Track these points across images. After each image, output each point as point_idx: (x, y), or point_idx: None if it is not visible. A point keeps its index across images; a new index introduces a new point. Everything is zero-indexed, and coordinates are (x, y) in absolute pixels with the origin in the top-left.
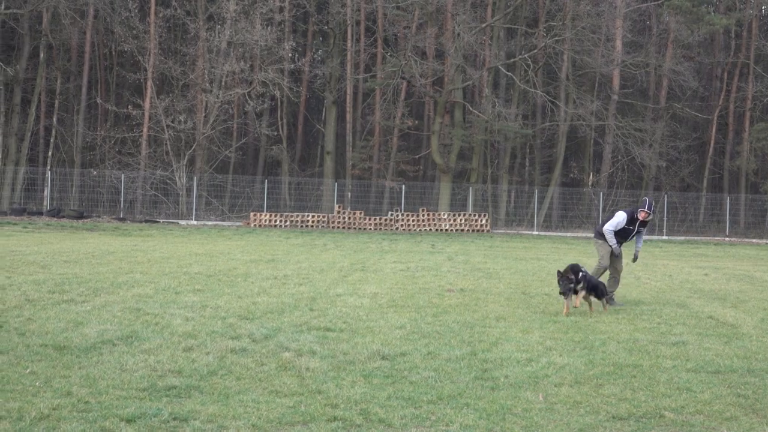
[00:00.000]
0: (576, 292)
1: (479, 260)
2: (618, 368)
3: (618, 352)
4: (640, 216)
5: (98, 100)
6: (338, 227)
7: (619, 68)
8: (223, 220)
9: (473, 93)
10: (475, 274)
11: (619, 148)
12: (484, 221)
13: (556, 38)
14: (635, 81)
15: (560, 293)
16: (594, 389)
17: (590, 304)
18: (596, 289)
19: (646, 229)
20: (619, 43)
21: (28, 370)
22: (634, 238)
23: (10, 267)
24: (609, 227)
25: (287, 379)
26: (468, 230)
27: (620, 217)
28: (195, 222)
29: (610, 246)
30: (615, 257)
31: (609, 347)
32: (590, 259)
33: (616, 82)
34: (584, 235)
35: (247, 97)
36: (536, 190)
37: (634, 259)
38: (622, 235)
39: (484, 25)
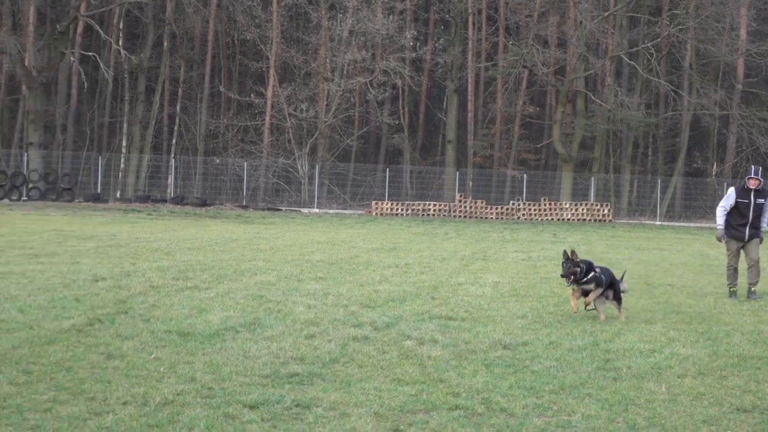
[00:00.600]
0: (584, 291)
1: (601, 250)
2: (742, 360)
3: (742, 343)
4: (751, 184)
5: (221, 89)
6: (459, 216)
7: (744, 57)
8: (345, 209)
9: (595, 82)
10: (597, 263)
11: (743, 138)
12: (606, 211)
13: (680, 27)
14: (760, 70)
15: (561, 275)
16: (717, 381)
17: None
18: (613, 288)
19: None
20: (743, 32)
21: (152, 356)
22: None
23: (135, 254)
24: (720, 204)
25: (409, 367)
26: (590, 220)
27: (729, 192)
28: (317, 210)
29: (717, 228)
30: (749, 246)
31: (733, 339)
32: (714, 250)
33: (741, 71)
34: (708, 225)
35: (368, 85)
36: (659, 180)
37: (760, 241)
38: (740, 212)
39: (606, 14)
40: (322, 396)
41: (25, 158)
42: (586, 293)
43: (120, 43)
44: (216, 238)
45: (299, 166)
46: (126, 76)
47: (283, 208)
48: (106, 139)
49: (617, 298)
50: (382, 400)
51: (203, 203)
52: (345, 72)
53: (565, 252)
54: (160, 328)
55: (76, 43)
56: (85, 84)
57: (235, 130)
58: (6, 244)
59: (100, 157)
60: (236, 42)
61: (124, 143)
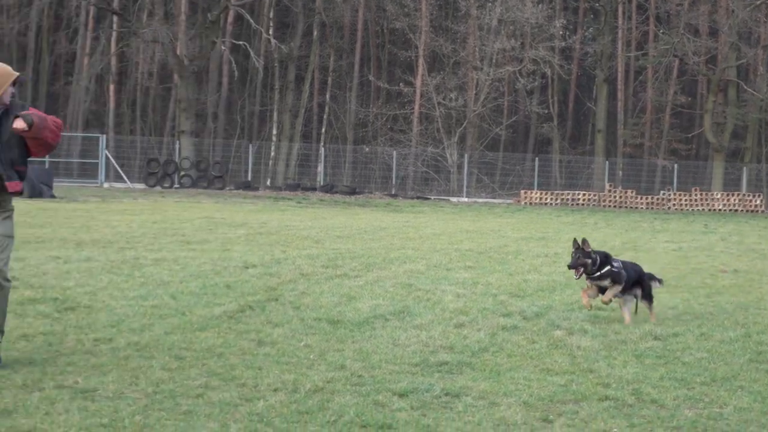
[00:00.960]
0: (600, 288)
1: (753, 241)
2: None
3: None
4: None
5: (370, 78)
6: (609, 206)
7: None
8: (494, 198)
9: (747, 71)
10: (749, 254)
11: None
12: (758, 201)
13: None
14: None
15: (568, 267)
16: None
17: (649, 309)
18: (641, 286)
19: None
20: None
21: (302, 343)
22: None
23: (285, 241)
24: None
25: (558, 357)
26: (741, 211)
27: None
28: (466, 199)
29: None
30: None
31: None
32: None
33: None
34: None
35: (517, 74)
36: None
37: None
38: None
39: (759, 2)
40: (471, 385)
41: (177, 146)
42: (603, 290)
43: (270, 33)
44: (365, 226)
45: (448, 155)
46: (276, 65)
47: (432, 197)
48: (257, 128)
49: (647, 297)
50: (532, 389)
51: (352, 192)
52: (494, 61)
53: (575, 240)
54: (310, 316)
55: (226, 32)
56: (236, 73)
57: (384, 119)
58: (159, 231)
59: (250, 145)
60: (385, 31)
61: (274, 131)
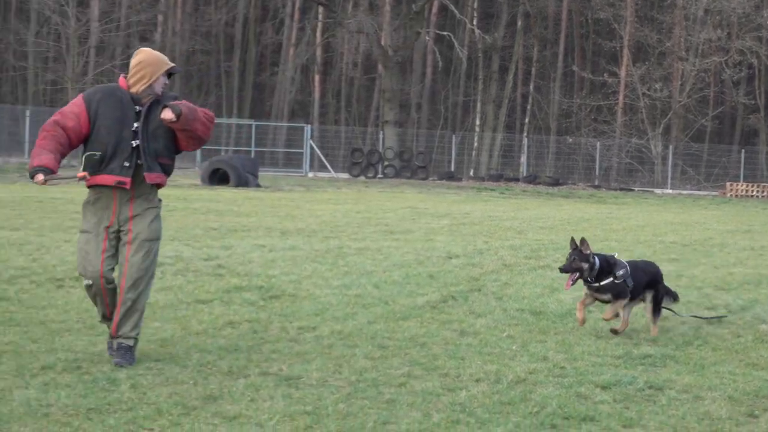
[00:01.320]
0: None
1: None
2: None
3: None
4: None
5: (574, 68)
6: None
7: None
8: (699, 190)
9: None
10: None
11: None
12: None
13: None
14: None
15: (560, 270)
16: None
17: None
18: (653, 290)
19: None
20: None
21: (505, 334)
22: None
23: (488, 232)
24: None
25: (764, 351)
26: None
27: None
28: (670, 191)
29: None
30: None
31: None
32: None
33: None
34: None
35: (723, 65)
36: None
37: None
38: None
39: None
40: (675, 378)
41: (381, 136)
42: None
43: (474, 23)
44: (568, 217)
45: (652, 147)
46: (480, 55)
47: (636, 189)
48: (460, 118)
49: (655, 304)
50: (737, 384)
51: (555, 182)
52: (700, 51)
53: (573, 240)
54: (513, 307)
55: (431, 22)
56: (440, 63)
57: (588, 110)
58: (363, 221)
59: (453, 136)
60: (590, 21)
61: (477, 122)
